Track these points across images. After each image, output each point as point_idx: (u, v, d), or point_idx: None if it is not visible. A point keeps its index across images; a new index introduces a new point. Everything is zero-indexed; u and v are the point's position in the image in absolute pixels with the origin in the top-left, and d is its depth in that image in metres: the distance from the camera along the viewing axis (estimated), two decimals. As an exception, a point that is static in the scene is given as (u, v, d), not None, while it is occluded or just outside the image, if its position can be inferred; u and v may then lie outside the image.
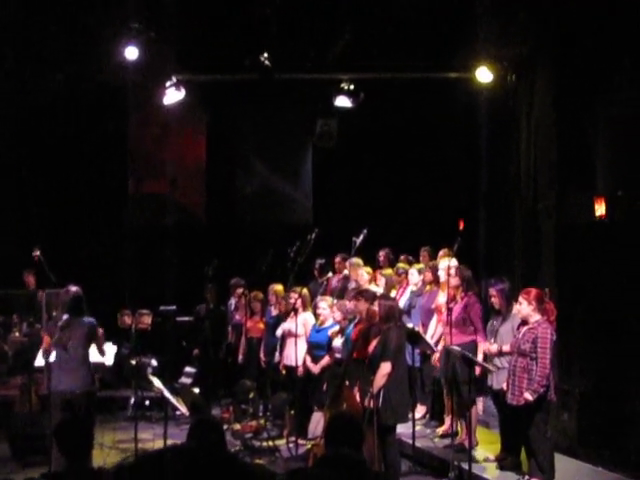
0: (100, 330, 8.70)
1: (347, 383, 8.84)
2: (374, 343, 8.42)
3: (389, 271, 11.34)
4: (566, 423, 9.49)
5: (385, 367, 8.17)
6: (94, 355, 8.77)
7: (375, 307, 8.55)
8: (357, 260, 11.62)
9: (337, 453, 3.91)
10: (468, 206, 13.60)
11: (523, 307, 8.19)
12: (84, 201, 14.49)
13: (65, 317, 8.48)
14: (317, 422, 9.48)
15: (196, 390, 10.02)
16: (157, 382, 8.65)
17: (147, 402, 11.57)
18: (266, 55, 12.00)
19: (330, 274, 12.42)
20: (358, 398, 8.46)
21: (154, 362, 10.49)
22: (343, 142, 14.57)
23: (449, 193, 14.02)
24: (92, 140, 14.43)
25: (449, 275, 9.46)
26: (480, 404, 10.40)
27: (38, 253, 11.35)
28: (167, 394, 8.34)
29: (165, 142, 15.32)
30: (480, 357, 8.94)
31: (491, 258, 12.89)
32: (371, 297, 8.93)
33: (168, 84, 12.79)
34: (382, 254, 12.23)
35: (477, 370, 8.86)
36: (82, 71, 13.03)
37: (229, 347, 12.69)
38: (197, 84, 13.45)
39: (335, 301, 10.42)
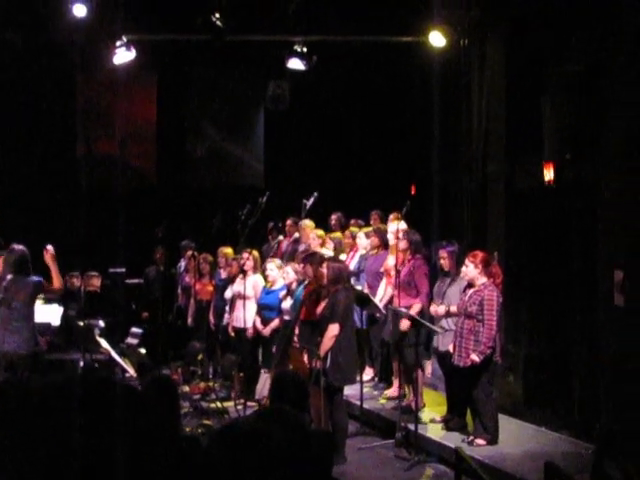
0: (45, 284, 8.57)
1: (294, 344, 8.89)
2: (322, 305, 8.45)
3: (338, 234, 11.35)
4: (512, 385, 9.62)
5: (333, 329, 8.22)
6: (39, 316, 8.68)
7: (323, 269, 8.57)
8: (308, 222, 11.61)
9: (275, 407, 3.91)
10: (421, 171, 13.63)
11: (469, 270, 8.28)
12: (33, 162, 14.26)
13: (9, 277, 8.37)
14: (264, 383, 9.50)
15: (142, 351, 9.98)
16: (104, 343, 8.61)
17: (96, 365, 11.50)
18: (218, 15, 11.82)
19: (281, 237, 12.42)
20: (306, 359, 8.50)
21: (101, 323, 10.42)
22: (295, 105, 14.50)
23: (402, 157, 14.03)
24: (39, 98, 14.17)
25: (398, 238, 9.50)
26: (428, 367, 10.49)
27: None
28: (115, 355, 8.30)
29: (115, 103, 15.10)
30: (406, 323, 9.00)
31: (442, 222, 12.95)
32: (319, 260, 8.95)
33: (118, 44, 12.56)
34: (334, 218, 12.25)
35: (403, 325, 8.96)
36: (31, 29, 12.75)
37: (179, 309, 12.66)
38: (148, 44, 13.24)
39: (280, 262, 10.44)
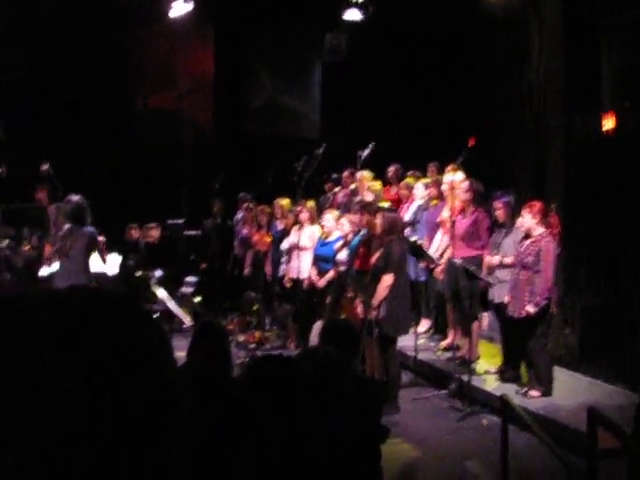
0: (101, 239, 8.71)
1: (347, 294, 8.91)
2: (376, 255, 8.44)
3: (377, 186, 11.20)
4: (567, 337, 9.53)
5: (387, 279, 8.21)
6: (95, 265, 8.80)
7: (378, 220, 8.54)
8: (366, 174, 11.53)
9: (316, 347, 3.94)
10: (479, 122, 13.46)
11: (526, 220, 8.18)
12: (93, 117, 14.40)
13: (66, 226, 8.49)
14: (317, 331, 9.54)
15: (197, 299, 10.09)
16: (160, 292, 8.71)
17: (155, 315, 11.68)
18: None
19: (337, 189, 12.40)
20: (360, 309, 8.52)
21: (158, 274, 10.55)
22: (352, 56, 14.39)
23: (460, 108, 13.85)
24: (99, 54, 14.28)
25: (452, 189, 9.41)
26: (485, 319, 10.43)
27: (46, 167, 11.40)
28: (170, 304, 8.40)
29: (172, 56, 15.17)
30: (484, 272, 8.94)
31: (500, 174, 12.81)
32: (374, 210, 8.93)
33: (176, -4, 12.62)
34: (391, 170, 12.19)
35: (481, 283, 8.89)
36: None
37: (236, 260, 12.73)
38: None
39: (337, 214, 10.42)
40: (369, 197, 10.71)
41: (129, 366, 1.01)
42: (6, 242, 11.85)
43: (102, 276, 9.13)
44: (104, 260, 8.91)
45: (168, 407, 1.04)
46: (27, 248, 12.14)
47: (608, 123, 9.15)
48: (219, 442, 2.14)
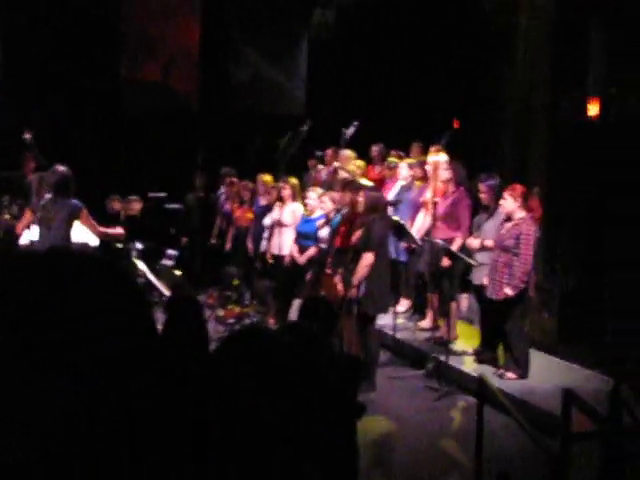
0: (85, 211, 8.64)
1: (327, 271, 8.92)
2: (358, 233, 8.44)
3: (352, 166, 11.19)
4: (546, 321, 9.59)
5: (368, 257, 8.22)
6: (76, 236, 8.75)
7: (360, 198, 8.54)
8: (349, 152, 11.54)
9: (297, 322, 3.95)
10: (464, 104, 13.46)
11: (508, 203, 8.20)
12: (77, 86, 14.30)
13: (48, 196, 8.43)
14: (296, 308, 9.56)
15: (177, 272, 10.07)
16: (141, 265, 8.68)
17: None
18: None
19: (321, 166, 12.38)
20: (339, 287, 8.53)
21: (139, 246, 10.51)
22: (339, 33, 14.33)
23: (445, 88, 13.85)
24: (84, 22, 14.16)
25: (436, 169, 9.42)
26: (464, 301, 10.48)
27: (29, 136, 11.32)
28: (150, 276, 8.38)
29: (159, 28, 15.07)
30: (454, 250, 8.95)
31: (483, 156, 12.83)
32: (357, 188, 8.92)
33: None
34: (375, 149, 12.19)
35: (444, 262, 8.93)
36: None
37: (220, 232, 12.66)
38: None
39: (320, 191, 10.42)
40: (344, 176, 10.71)
41: (111, 327, 1.00)
42: (-16, 211, 11.78)
43: (83, 247, 9.08)
44: (94, 230, 8.81)
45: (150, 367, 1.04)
46: (7, 217, 12.07)
47: (593, 108, 9.17)
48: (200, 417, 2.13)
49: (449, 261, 8.92)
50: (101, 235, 8.95)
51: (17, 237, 9.75)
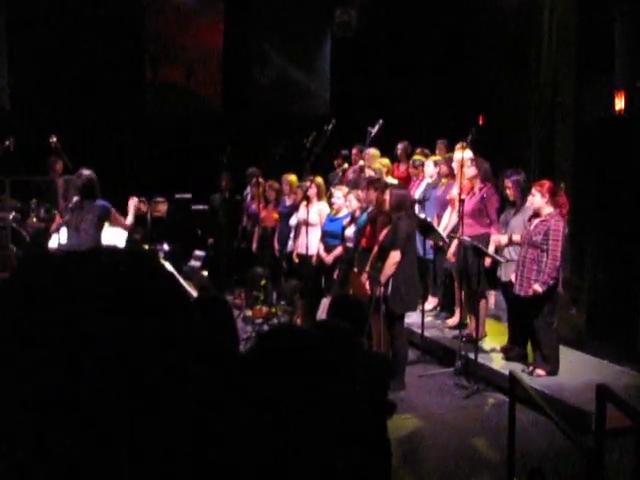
0: (112, 210, 8.70)
1: (355, 269, 8.91)
2: (384, 232, 8.43)
3: (378, 165, 11.19)
4: (574, 317, 9.52)
5: (395, 256, 8.20)
6: (106, 239, 8.80)
7: (386, 196, 8.53)
8: (374, 151, 11.53)
9: (330, 321, 3.95)
10: (489, 100, 13.41)
11: (536, 199, 8.16)
12: (102, 89, 14.37)
13: (76, 199, 8.49)
14: (325, 308, 9.55)
15: (205, 273, 10.10)
16: (168, 266, 8.70)
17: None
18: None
19: (346, 165, 12.38)
20: (367, 286, 8.52)
21: (166, 247, 10.57)
22: (362, 32, 14.32)
23: (470, 86, 13.80)
24: (109, 26, 14.23)
25: (462, 167, 9.39)
26: (492, 297, 10.45)
27: (54, 140, 11.39)
28: (178, 278, 8.40)
29: (182, 30, 15.13)
30: (492, 249, 8.93)
31: (510, 152, 12.77)
32: (382, 186, 8.91)
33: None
34: (400, 147, 12.19)
35: (487, 262, 8.89)
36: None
37: (244, 233, 12.70)
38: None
39: (346, 190, 10.41)
40: (370, 174, 10.70)
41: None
42: (12, 214, 11.88)
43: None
44: (125, 226, 8.89)
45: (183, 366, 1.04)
46: (34, 220, 12.17)
47: (620, 102, 9.10)
48: (231, 416, 2.14)
49: (489, 260, 8.87)
50: (129, 228, 9.06)
51: (46, 240, 9.84)
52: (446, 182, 10.55)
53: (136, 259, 1.09)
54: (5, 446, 0.94)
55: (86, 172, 8.68)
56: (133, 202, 8.86)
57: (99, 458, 0.96)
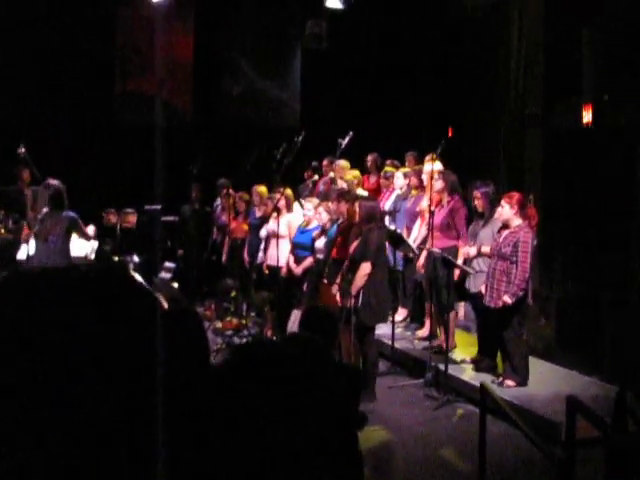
0: (80, 222, 8.67)
1: (325, 281, 8.92)
2: (355, 244, 8.45)
3: (349, 176, 11.21)
4: (543, 328, 9.59)
5: (365, 267, 8.22)
6: (75, 249, 8.77)
7: (356, 208, 8.55)
8: (344, 162, 11.58)
9: (301, 334, 3.95)
10: (458, 112, 13.49)
11: (505, 210, 8.22)
12: (72, 99, 14.29)
13: (45, 210, 8.45)
14: (295, 320, 9.54)
15: (175, 285, 10.06)
16: (138, 277, 8.66)
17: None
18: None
19: (317, 177, 12.40)
20: (338, 297, 8.53)
21: (136, 259, 10.51)
22: (333, 44, 14.37)
23: (439, 98, 13.88)
24: (78, 36, 14.16)
25: (432, 179, 9.44)
26: (461, 309, 10.50)
27: (23, 150, 11.30)
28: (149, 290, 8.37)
29: (153, 41, 15.10)
30: (460, 261, 8.98)
31: (479, 164, 12.85)
32: (353, 198, 8.94)
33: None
34: (370, 159, 12.23)
35: (456, 274, 8.92)
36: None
37: (214, 245, 12.67)
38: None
39: (316, 202, 10.43)
40: (341, 186, 10.73)
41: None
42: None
43: (83, 260, 9.09)
44: (87, 236, 8.85)
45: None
46: (2, 232, 12.06)
47: (587, 115, 9.19)
48: (204, 428, 2.12)
49: (458, 272, 8.91)
50: (90, 238, 9.03)
51: (15, 252, 9.77)
52: (416, 194, 10.60)
53: (109, 273, 1.09)
54: (5, 446, 0.95)
55: (54, 182, 8.65)
56: (92, 229, 8.84)
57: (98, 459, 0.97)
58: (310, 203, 10.40)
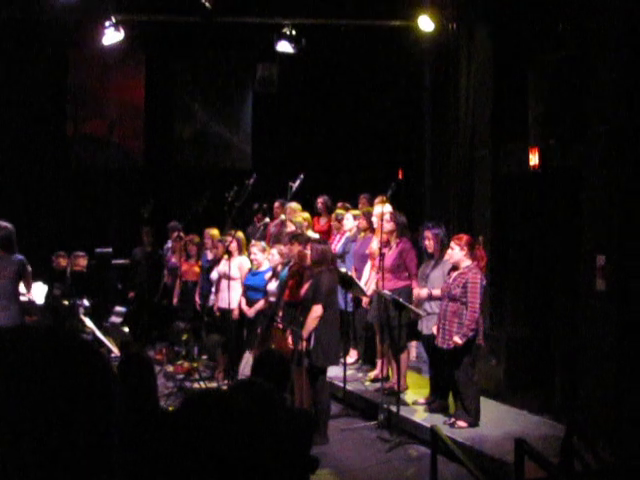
0: (29, 267, 8.59)
1: (277, 324, 8.92)
2: (306, 286, 8.48)
3: (299, 218, 11.27)
4: (494, 368, 9.66)
5: (316, 310, 8.25)
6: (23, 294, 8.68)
7: (307, 251, 8.60)
8: (295, 205, 11.63)
9: (250, 380, 3.96)
10: (408, 155, 13.66)
11: (455, 252, 8.31)
12: (23, 141, 14.21)
13: (-6, 253, 8.35)
14: (247, 363, 9.52)
15: (126, 329, 9.98)
16: (89, 322, 8.61)
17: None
18: (207, -4, 11.78)
19: (267, 219, 12.43)
20: (289, 340, 8.54)
21: (86, 303, 10.43)
22: (284, 88, 14.50)
23: (389, 141, 14.05)
24: (29, 78, 14.12)
25: (382, 221, 9.52)
26: (413, 350, 10.56)
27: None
28: (99, 334, 8.31)
29: (104, 83, 15.12)
30: (414, 303, 9.03)
31: (429, 206, 13.00)
32: (304, 241, 8.98)
33: (107, 24, 12.48)
34: (320, 201, 12.30)
35: (411, 315, 8.98)
36: (21, 8, 12.69)
37: (165, 289, 12.63)
38: (136, 25, 13.16)
39: (264, 245, 10.48)
40: (291, 228, 10.79)
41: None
42: None
43: (30, 304, 9.00)
44: (29, 287, 8.77)
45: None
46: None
47: (534, 158, 9.36)
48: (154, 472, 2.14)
49: (409, 313, 8.96)
50: (30, 290, 8.96)
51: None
52: (363, 236, 10.67)
53: (56, 338, 1.12)
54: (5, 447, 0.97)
55: (4, 225, 8.56)
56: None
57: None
58: (256, 247, 10.41)
